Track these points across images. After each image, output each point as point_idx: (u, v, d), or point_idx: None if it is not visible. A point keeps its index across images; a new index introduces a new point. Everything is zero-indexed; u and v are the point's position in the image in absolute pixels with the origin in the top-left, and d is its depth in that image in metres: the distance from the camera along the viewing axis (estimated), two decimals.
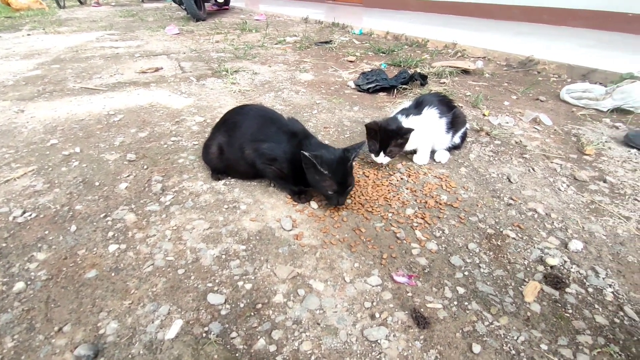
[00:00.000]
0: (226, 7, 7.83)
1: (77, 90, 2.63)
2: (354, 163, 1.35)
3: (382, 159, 1.56)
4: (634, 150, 1.83)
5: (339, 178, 1.23)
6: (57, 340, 0.89)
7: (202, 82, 2.82)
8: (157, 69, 3.15)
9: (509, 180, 1.58)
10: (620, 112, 2.26)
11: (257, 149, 1.34)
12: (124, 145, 1.83)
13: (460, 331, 0.93)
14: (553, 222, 1.33)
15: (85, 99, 2.45)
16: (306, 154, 1.19)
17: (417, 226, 1.29)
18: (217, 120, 1.56)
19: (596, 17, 4.23)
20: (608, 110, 2.27)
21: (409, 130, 1.51)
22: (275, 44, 4.26)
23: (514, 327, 0.94)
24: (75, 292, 1.02)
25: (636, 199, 1.47)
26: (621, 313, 0.99)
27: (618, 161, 1.75)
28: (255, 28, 5.30)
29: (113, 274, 1.08)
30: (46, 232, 1.24)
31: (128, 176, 1.57)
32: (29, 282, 1.05)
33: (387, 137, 1.51)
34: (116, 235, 1.23)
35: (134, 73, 3.07)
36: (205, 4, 6.73)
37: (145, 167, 1.64)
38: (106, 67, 3.24)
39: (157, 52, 3.86)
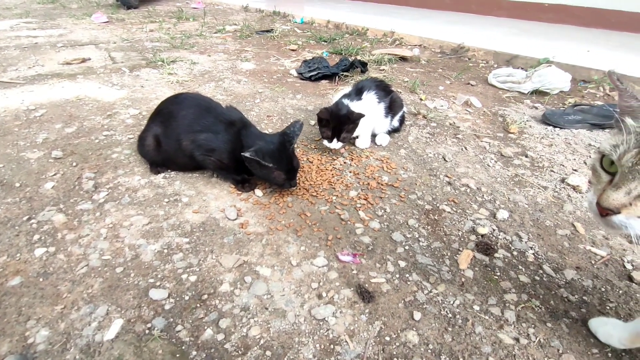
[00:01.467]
0: None
1: None
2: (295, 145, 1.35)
3: (336, 144, 1.58)
4: (550, 127, 2.03)
5: (285, 165, 1.24)
6: None
7: (135, 73, 2.65)
8: (83, 60, 2.91)
9: (444, 159, 1.68)
10: (538, 93, 2.48)
11: (195, 139, 1.30)
12: (49, 142, 1.68)
13: (403, 301, 0.98)
14: (483, 195, 1.44)
15: None
16: (247, 155, 1.18)
17: (360, 207, 1.33)
18: None
19: (516, 7, 4.58)
20: (528, 92, 2.48)
21: (360, 116, 1.55)
22: (215, 32, 4.11)
23: (450, 293, 1.02)
24: None
25: (552, 170, 1.63)
26: (541, 271, 1.11)
27: (537, 138, 1.92)
28: (193, 16, 5.06)
29: (41, 279, 1.00)
30: None
31: (54, 175, 1.45)
32: None
33: (340, 124, 1.53)
34: (43, 238, 1.14)
35: (57, 64, 2.80)
36: None
37: (74, 164, 1.52)
38: (23, 59, 2.92)
39: (83, 41, 3.55)
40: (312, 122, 1.97)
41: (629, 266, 1.14)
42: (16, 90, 2.25)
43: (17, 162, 1.52)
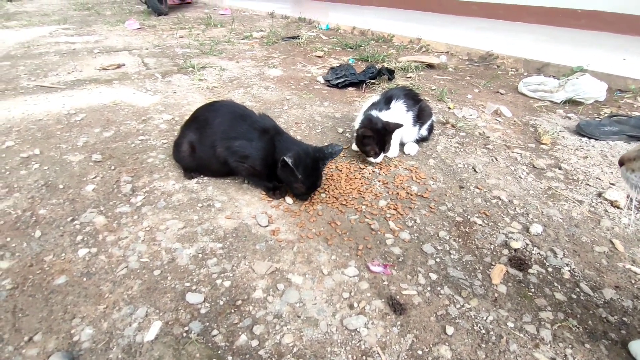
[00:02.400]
0: (189, 1, 7.60)
1: (32, 88, 2.48)
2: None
3: (380, 158, 1.61)
4: (584, 139, 1.97)
5: (310, 182, 1.27)
6: (27, 350, 0.86)
7: (167, 79, 2.74)
8: (118, 66, 3.03)
9: (475, 170, 1.66)
10: (572, 103, 2.42)
11: (229, 146, 1.33)
12: (88, 146, 1.75)
13: (434, 315, 0.98)
14: (515, 208, 1.42)
15: (41, 97, 2.32)
16: (286, 159, 1.20)
17: (390, 217, 1.33)
18: (186, 117, 1.53)
19: (547, 13, 4.47)
20: (561, 101, 2.42)
21: (398, 125, 1.55)
22: (242, 39, 4.20)
23: (483, 308, 1.00)
24: (44, 299, 0.99)
25: (587, 184, 1.58)
26: (577, 289, 1.08)
27: (571, 149, 1.87)
28: (221, 23, 5.19)
29: (85, 279, 1.05)
30: (8, 240, 1.18)
31: (95, 177, 1.51)
32: None
33: (382, 137, 1.54)
34: (85, 239, 1.19)
35: (94, 70, 2.93)
36: None
37: (112, 167, 1.58)
38: (62, 64, 3.07)
39: (117, 47, 3.70)
40: (340, 130, 1.99)
41: None
42: (57, 95, 2.37)
43: (60, 164, 1.59)
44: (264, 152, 1.32)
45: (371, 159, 1.61)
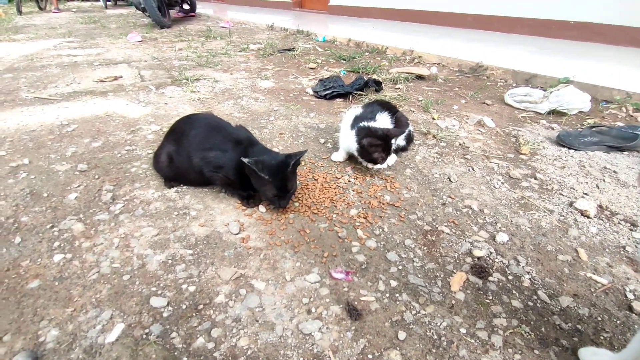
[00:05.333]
0: (192, 14, 7.79)
1: (30, 100, 2.57)
2: (297, 169, 1.41)
3: (387, 162, 1.69)
4: (564, 149, 1.99)
5: (279, 182, 1.29)
6: None
7: (161, 91, 2.82)
8: (116, 78, 3.13)
9: (450, 180, 1.69)
10: (556, 114, 2.45)
11: (204, 157, 1.39)
12: (76, 156, 1.82)
13: (390, 321, 1.01)
14: (485, 217, 1.44)
15: (37, 109, 2.41)
16: (245, 160, 1.25)
17: (359, 225, 1.37)
18: None
19: (540, 25, 4.52)
20: (545, 112, 2.45)
21: (401, 132, 1.66)
22: (239, 51, 4.30)
23: (439, 315, 1.03)
24: (16, 302, 1.03)
25: (561, 194, 1.60)
26: (535, 297, 1.10)
27: (550, 159, 1.90)
28: (220, 35, 5.31)
29: (57, 283, 1.09)
30: None
31: (78, 186, 1.57)
32: None
33: (387, 144, 1.60)
34: (62, 245, 1.24)
35: (92, 82, 3.03)
36: (170, 10, 6.68)
37: (96, 176, 1.64)
38: (62, 76, 3.18)
39: (117, 60, 3.81)
40: (322, 141, 2.03)
41: (630, 295, 1.11)
42: (53, 106, 2.45)
43: (47, 173, 1.66)
44: (237, 163, 1.36)
45: (378, 166, 1.68)
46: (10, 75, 3.20)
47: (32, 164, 1.73)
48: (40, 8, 9.45)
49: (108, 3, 11.29)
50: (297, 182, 1.47)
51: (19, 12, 8.39)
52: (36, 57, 3.93)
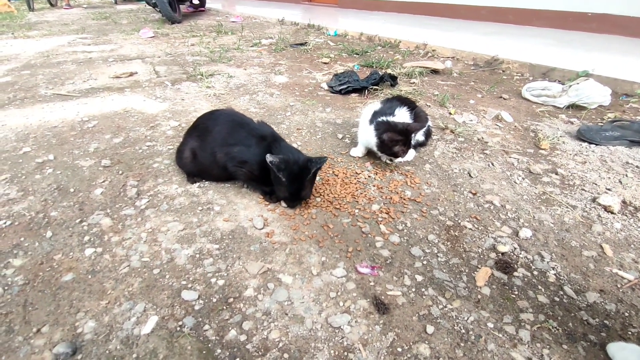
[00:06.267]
0: (202, 9, 7.80)
1: (50, 96, 2.61)
2: (318, 172, 1.42)
3: (407, 156, 1.70)
4: (584, 144, 1.97)
5: (294, 188, 1.32)
6: (35, 340, 0.93)
7: (177, 87, 2.84)
8: (131, 74, 3.15)
9: (470, 175, 1.68)
10: (575, 108, 2.41)
11: (228, 152, 1.40)
12: (99, 152, 1.85)
13: (417, 315, 1.02)
14: (507, 213, 1.44)
15: (57, 105, 2.45)
16: (269, 159, 1.27)
17: (381, 221, 1.38)
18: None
19: (557, 17, 4.44)
20: (564, 106, 2.42)
21: (421, 126, 1.68)
22: (251, 46, 4.30)
23: (465, 309, 1.04)
24: (52, 295, 1.06)
25: (583, 189, 1.59)
26: (561, 292, 1.10)
27: (570, 154, 1.88)
28: (232, 30, 5.32)
29: (90, 277, 1.12)
30: (22, 239, 1.27)
31: (103, 182, 1.60)
32: (6, 288, 1.08)
33: (407, 138, 1.61)
34: (92, 239, 1.27)
35: (108, 78, 3.06)
36: (180, 5, 6.69)
37: (120, 172, 1.67)
38: (79, 73, 3.22)
39: (131, 56, 3.84)
40: (340, 136, 2.04)
41: None
42: (72, 103, 2.49)
43: (72, 169, 1.69)
44: (261, 158, 1.37)
45: (399, 160, 1.68)
46: (28, 72, 3.25)
47: (57, 159, 1.77)
48: (51, 4, 9.51)
49: None
50: (315, 184, 1.48)
51: (31, 8, 8.48)
52: (52, 53, 3.98)
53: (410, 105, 1.76)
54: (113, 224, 1.35)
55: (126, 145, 1.91)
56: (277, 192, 1.40)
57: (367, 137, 1.69)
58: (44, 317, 1.00)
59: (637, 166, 1.75)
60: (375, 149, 1.69)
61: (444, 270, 1.16)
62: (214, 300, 1.05)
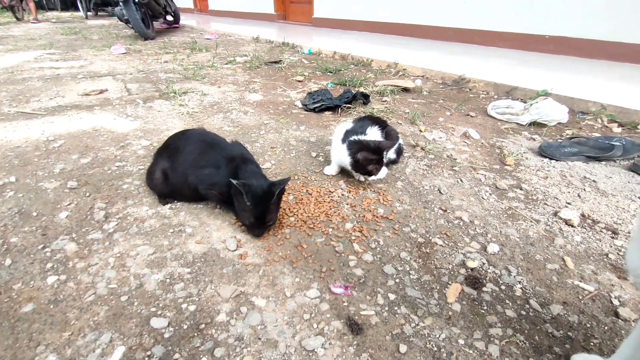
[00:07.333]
0: (176, 25, 7.77)
1: (13, 114, 2.52)
2: (282, 197, 1.42)
3: (381, 173, 1.74)
4: (546, 160, 2.08)
5: (258, 212, 1.30)
6: None
7: (149, 105, 2.80)
8: (101, 91, 3.09)
9: (440, 192, 1.73)
10: (537, 125, 2.54)
11: (198, 175, 1.39)
12: (65, 173, 1.79)
13: (390, 334, 1.03)
14: (476, 228, 1.49)
15: (21, 124, 2.36)
16: (233, 182, 1.26)
17: (355, 239, 1.39)
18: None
19: (518, 38, 4.71)
20: (527, 124, 2.55)
21: (392, 144, 1.75)
22: (226, 64, 4.31)
23: (437, 326, 1.06)
24: (10, 327, 1.01)
25: (546, 203, 1.67)
26: (527, 306, 1.14)
27: (533, 170, 1.97)
28: (206, 47, 5.32)
29: (52, 306, 1.07)
30: None
31: (69, 205, 1.54)
32: None
33: (381, 156, 1.65)
34: (55, 266, 1.22)
35: (77, 95, 2.98)
36: (154, 22, 6.65)
37: (87, 194, 1.62)
38: (45, 90, 3.12)
39: (102, 73, 3.77)
40: (314, 154, 2.06)
41: (616, 302, 1.16)
42: (37, 121, 2.41)
43: (35, 191, 1.62)
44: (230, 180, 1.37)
45: (373, 177, 1.72)
46: None
47: (19, 181, 1.70)
48: (17, 18, 9.24)
49: (89, 13, 11.15)
50: (289, 203, 1.48)
51: None
52: (16, 69, 3.85)
53: (382, 124, 1.80)
54: (79, 249, 1.30)
55: (94, 166, 1.86)
56: (241, 218, 1.37)
57: (340, 156, 1.72)
58: (1, 352, 0.94)
59: (593, 180, 1.86)
60: (349, 167, 1.72)
61: (416, 288, 1.18)
62: (185, 327, 1.02)
